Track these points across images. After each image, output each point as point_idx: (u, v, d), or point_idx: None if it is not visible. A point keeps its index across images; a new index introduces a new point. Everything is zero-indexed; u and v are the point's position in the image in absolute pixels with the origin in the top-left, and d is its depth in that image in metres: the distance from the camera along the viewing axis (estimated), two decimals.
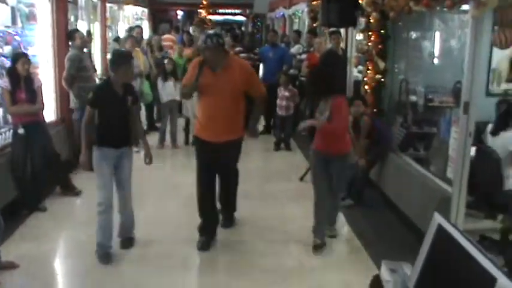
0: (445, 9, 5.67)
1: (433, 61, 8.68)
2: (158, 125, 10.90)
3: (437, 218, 2.32)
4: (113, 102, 5.52)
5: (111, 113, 5.53)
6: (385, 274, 2.72)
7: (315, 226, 6.01)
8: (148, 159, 5.89)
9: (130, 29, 12.89)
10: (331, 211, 6.24)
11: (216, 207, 6.28)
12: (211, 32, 6.36)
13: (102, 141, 5.52)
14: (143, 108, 10.68)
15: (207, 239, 5.98)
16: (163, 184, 8.23)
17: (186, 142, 10.59)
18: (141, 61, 10.53)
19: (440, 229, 2.27)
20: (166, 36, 15.78)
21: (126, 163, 5.68)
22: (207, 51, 5.65)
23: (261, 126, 11.80)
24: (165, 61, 10.44)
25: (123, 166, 5.66)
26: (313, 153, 6.05)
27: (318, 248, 5.89)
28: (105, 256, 5.56)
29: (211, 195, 6.14)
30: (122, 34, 14.61)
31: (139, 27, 12.87)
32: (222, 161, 5.99)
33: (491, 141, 5.81)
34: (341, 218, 6.80)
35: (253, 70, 6.33)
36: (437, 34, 8.45)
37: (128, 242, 5.88)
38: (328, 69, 6.62)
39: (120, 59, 5.66)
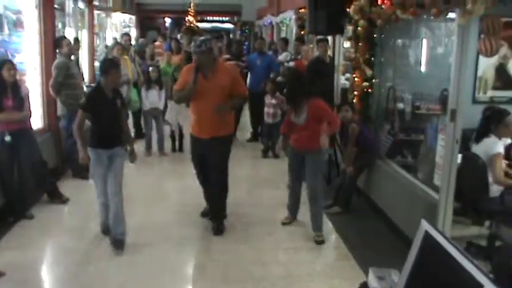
0: (431, 17, 5.71)
1: (420, 69, 8.72)
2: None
3: (424, 225, 2.32)
4: (104, 106, 5.88)
5: (103, 115, 5.88)
6: (372, 281, 2.72)
7: (288, 205, 6.90)
8: (133, 157, 6.36)
9: (122, 36, 13.03)
10: (315, 217, 6.45)
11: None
12: (202, 37, 6.64)
13: (95, 143, 5.91)
14: (130, 115, 10.66)
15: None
16: (152, 191, 8.20)
17: (173, 149, 10.58)
18: (129, 69, 10.55)
19: (427, 236, 2.28)
20: (157, 43, 15.91)
21: (118, 160, 6.01)
22: (201, 56, 6.14)
23: (248, 134, 11.82)
24: (150, 69, 10.42)
25: (114, 163, 5.96)
26: (290, 149, 6.62)
27: (286, 224, 6.83)
28: (106, 228, 6.17)
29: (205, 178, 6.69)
30: (111, 42, 14.69)
31: (128, 34, 12.88)
32: (211, 155, 6.42)
33: (475, 148, 5.84)
34: (329, 225, 6.82)
35: (237, 72, 6.92)
36: (424, 42, 8.49)
37: (118, 243, 5.97)
38: (302, 74, 6.89)
39: (109, 65, 6.02)
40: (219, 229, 6.52)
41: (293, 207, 6.86)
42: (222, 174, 6.55)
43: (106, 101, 5.87)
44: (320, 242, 6.31)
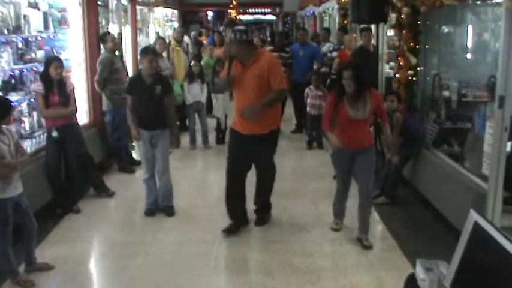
0: (477, 2, 5.57)
1: (466, 55, 8.54)
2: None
3: (474, 216, 2.27)
4: (141, 90, 6.52)
5: (139, 98, 6.54)
6: (420, 273, 2.68)
7: (334, 211, 6.38)
8: (176, 143, 6.97)
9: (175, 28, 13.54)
10: (362, 214, 6.01)
11: (244, 198, 6.45)
12: (237, 28, 6.45)
13: (137, 123, 6.61)
14: None
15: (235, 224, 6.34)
16: (196, 184, 8.25)
17: (218, 142, 10.62)
18: (181, 60, 11.16)
19: (476, 226, 2.22)
20: (203, 37, 16.20)
21: (160, 143, 6.60)
22: (233, 46, 6.08)
23: (292, 125, 11.78)
24: (192, 63, 10.46)
25: (158, 145, 6.60)
26: (337, 150, 5.88)
27: (335, 230, 6.30)
28: (149, 211, 6.76)
29: (239, 185, 6.31)
30: (155, 36, 15.02)
31: (181, 28, 13.23)
32: (254, 154, 6.22)
33: None
34: (375, 216, 6.74)
35: (278, 63, 6.45)
36: (470, 28, 8.32)
37: (169, 209, 6.78)
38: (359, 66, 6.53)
39: (143, 53, 6.69)
40: (262, 220, 6.52)
41: (339, 214, 6.38)
42: (267, 165, 6.41)
43: (144, 86, 6.49)
44: (369, 247, 5.84)
